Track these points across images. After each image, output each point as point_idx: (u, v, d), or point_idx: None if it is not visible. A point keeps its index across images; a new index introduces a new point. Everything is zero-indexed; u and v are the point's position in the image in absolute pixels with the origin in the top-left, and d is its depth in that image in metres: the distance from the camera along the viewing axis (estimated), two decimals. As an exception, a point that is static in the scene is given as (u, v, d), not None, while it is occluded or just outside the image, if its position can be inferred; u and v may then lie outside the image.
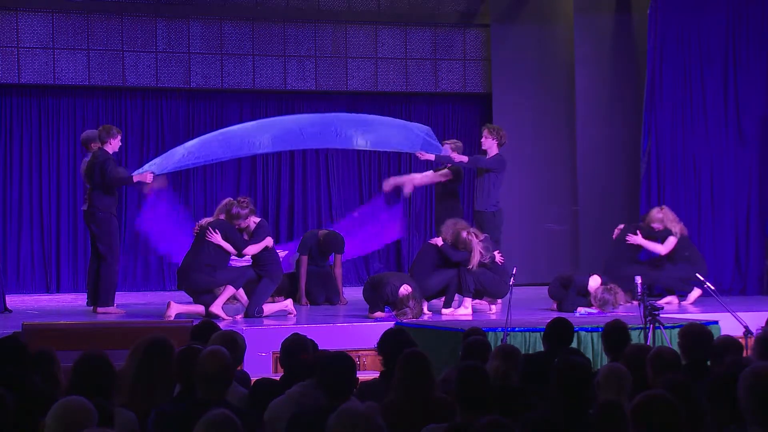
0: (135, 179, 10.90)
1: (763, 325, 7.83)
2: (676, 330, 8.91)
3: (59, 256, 14.31)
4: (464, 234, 10.96)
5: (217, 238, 10.54)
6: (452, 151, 12.14)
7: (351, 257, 13.44)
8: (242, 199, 10.87)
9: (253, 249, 10.68)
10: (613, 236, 12.31)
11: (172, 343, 5.74)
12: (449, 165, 12.02)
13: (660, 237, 12.03)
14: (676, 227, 12.04)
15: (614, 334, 7.00)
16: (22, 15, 13.99)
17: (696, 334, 6.55)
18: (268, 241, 10.77)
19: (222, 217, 10.80)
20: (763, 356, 6.12)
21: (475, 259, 10.90)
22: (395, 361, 5.57)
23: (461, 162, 11.86)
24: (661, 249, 12.00)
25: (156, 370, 5.57)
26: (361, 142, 11.69)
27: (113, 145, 10.92)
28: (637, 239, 12.03)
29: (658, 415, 4.20)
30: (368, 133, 11.66)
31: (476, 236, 10.97)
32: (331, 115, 12.47)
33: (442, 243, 11.07)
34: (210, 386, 5.10)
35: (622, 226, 12.39)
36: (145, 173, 10.94)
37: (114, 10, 14.28)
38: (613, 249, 12.40)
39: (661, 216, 12.08)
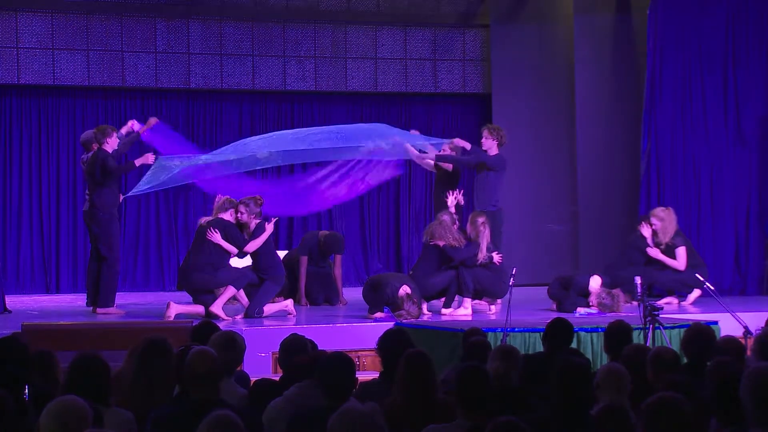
0: (137, 163, 11.03)
1: (763, 325, 7.83)
2: (676, 330, 8.96)
3: (59, 257, 14.31)
4: (480, 219, 11.01)
5: (217, 237, 10.55)
6: (451, 152, 12.15)
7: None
8: (259, 198, 10.90)
9: (253, 245, 10.69)
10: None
11: (170, 344, 5.74)
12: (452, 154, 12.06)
13: (665, 244, 12.02)
14: (675, 239, 12.00)
15: (617, 335, 6.99)
16: (22, 15, 13.99)
17: (698, 334, 6.55)
18: (269, 229, 10.75)
19: (221, 215, 10.79)
20: (762, 356, 6.12)
21: (483, 251, 10.92)
22: (395, 361, 5.57)
23: (468, 161, 11.88)
24: (680, 265, 11.96)
25: (155, 370, 5.58)
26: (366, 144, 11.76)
27: (111, 144, 10.93)
28: (657, 254, 12.01)
29: (670, 416, 4.19)
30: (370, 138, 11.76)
31: (486, 228, 11.03)
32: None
33: (443, 243, 11.06)
34: (200, 386, 5.12)
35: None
36: (146, 155, 11.11)
37: (114, 10, 14.28)
38: (617, 254, 12.41)
39: (663, 215, 12.06)
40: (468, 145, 11.92)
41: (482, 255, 10.98)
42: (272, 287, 10.82)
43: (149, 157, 11.04)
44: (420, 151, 12.18)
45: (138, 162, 11.01)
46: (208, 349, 5.35)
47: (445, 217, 11.24)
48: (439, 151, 12.11)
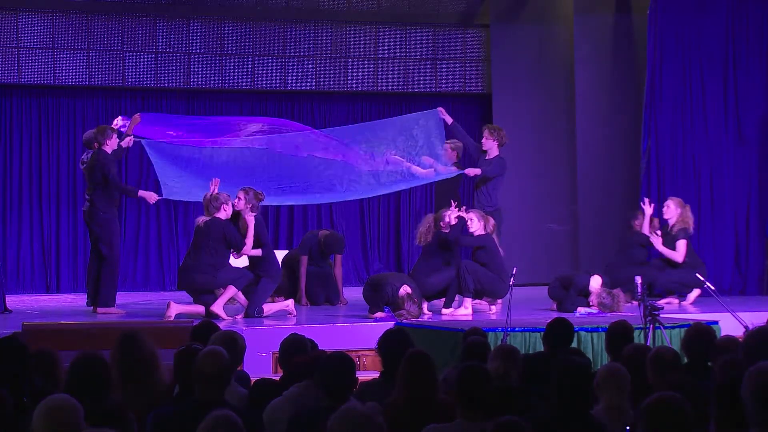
0: (139, 194, 11.09)
1: (763, 324, 7.83)
2: (676, 330, 8.96)
3: (59, 256, 14.31)
4: (492, 222, 11.20)
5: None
6: (452, 151, 12.13)
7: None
8: (260, 194, 10.85)
9: (249, 242, 10.60)
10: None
11: (142, 334, 5.78)
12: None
13: (673, 228, 12.05)
14: (682, 233, 12.01)
15: (618, 335, 6.97)
16: (22, 15, 14.00)
17: (699, 334, 6.55)
18: (250, 221, 10.60)
19: (217, 215, 10.67)
20: (749, 357, 6.07)
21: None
22: (395, 361, 5.57)
23: (475, 175, 11.88)
24: (678, 256, 11.97)
25: (134, 364, 5.60)
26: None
27: (111, 145, 10.93)
28: (658, 243, 12.01)
29: (670, 416, 4.19)
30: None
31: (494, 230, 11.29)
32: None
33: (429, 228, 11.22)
34: (208, 386, 5.11)
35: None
36: (150, 193, 11.16)
37: (114, 10, 14.28)
38: (618, 254, 12.41)
39: (682, 207, 12.07)
40: (479, 171, 11.89)
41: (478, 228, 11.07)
42: (269, 285, 10.78)
43: (152, 196, 11.08)
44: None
45: (141, 194, 11.11)
46: (220, 350, 5.30)
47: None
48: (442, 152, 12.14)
